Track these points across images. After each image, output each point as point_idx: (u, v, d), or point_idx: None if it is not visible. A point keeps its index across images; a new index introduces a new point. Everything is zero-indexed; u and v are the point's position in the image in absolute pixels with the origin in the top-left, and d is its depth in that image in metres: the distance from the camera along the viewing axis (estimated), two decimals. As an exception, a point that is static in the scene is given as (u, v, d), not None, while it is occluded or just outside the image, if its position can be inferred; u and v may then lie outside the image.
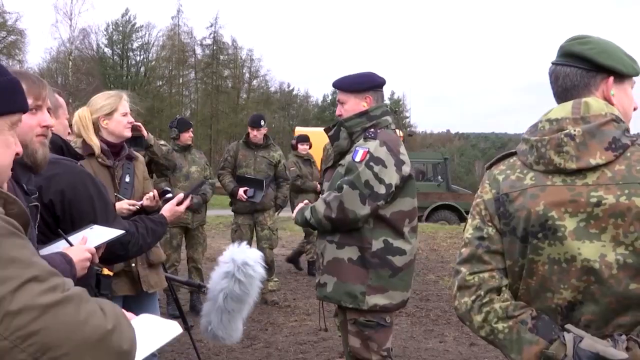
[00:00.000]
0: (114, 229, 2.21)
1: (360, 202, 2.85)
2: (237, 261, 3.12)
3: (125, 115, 3.08)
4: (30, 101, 1.80)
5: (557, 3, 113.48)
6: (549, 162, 1.56)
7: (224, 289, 3.11)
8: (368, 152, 2.90)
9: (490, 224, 1.63)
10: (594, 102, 1.57)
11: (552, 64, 1.70)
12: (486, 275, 1.62)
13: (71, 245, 2.00)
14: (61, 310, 0.96)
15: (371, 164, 2.88)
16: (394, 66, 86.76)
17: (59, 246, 2.01)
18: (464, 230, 1.72)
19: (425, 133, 60.68)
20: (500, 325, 1.58)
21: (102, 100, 3.07)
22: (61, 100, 2.54)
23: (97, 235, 2.12)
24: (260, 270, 3.17)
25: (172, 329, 1.54)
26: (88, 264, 1.99)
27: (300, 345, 5.07)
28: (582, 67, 1.63)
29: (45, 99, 1.90)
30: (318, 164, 5.38)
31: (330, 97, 52.09)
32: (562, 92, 1.66)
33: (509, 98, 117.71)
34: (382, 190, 2.87)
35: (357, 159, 2.90)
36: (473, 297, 1.61)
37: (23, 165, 1.84)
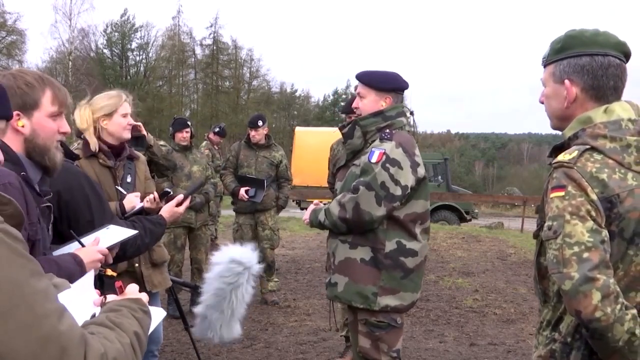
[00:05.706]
0: (128, 229, 2.21)
1: (376, 204, 2.83)
2: (231, 260, 3.11)
3: (125, 116, 3.04)
4: (55, 107, 1.86)
5: (557, 4, 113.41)
6: None
7: (217, 288, 3.10)
8: (384, 153, 2.86)
9: (604, 226, 1.54)
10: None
11: (619, 59, 1.67)
12: (613, 280, 1.51)
13: (83, 246, 2.01)
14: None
15: (387, 165, 2.85)
16: (394, 66, 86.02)
17: (73, 247, 2.02)
18: (557, 235, 1.54)
19: (425, 133, 60.55)
20: (638, 331, 1.51)
21: (103, 100, 3.04)
22: None
23: (111, 235, 2.13)
24: (254, 268, 3.14)
25: (157, 315, 1.54)
26: (99, 265, 1.99)
27: (300, 345, 5.07)
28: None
29: (69, 106, 1.93)
30: (325, 163, 5.35)
31: (330, 98, 52.09)
32: (621, 89, 1.69)
33: (510, 98, 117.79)
34: (398, 191, 2.85)
35: (374, 159, 2.87)
36: (619, 306, 1.49)
37: (39, 167, 1.85)
